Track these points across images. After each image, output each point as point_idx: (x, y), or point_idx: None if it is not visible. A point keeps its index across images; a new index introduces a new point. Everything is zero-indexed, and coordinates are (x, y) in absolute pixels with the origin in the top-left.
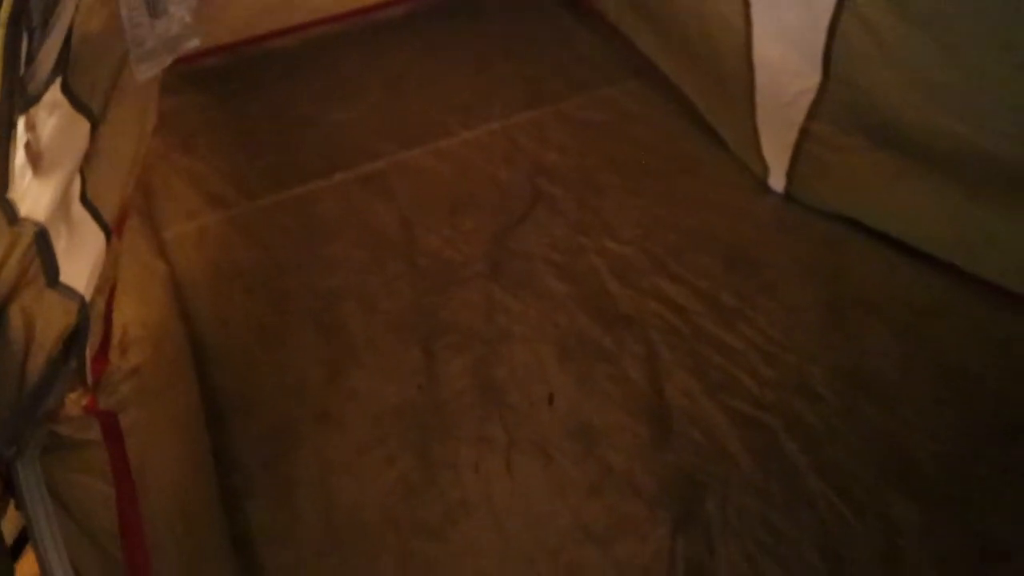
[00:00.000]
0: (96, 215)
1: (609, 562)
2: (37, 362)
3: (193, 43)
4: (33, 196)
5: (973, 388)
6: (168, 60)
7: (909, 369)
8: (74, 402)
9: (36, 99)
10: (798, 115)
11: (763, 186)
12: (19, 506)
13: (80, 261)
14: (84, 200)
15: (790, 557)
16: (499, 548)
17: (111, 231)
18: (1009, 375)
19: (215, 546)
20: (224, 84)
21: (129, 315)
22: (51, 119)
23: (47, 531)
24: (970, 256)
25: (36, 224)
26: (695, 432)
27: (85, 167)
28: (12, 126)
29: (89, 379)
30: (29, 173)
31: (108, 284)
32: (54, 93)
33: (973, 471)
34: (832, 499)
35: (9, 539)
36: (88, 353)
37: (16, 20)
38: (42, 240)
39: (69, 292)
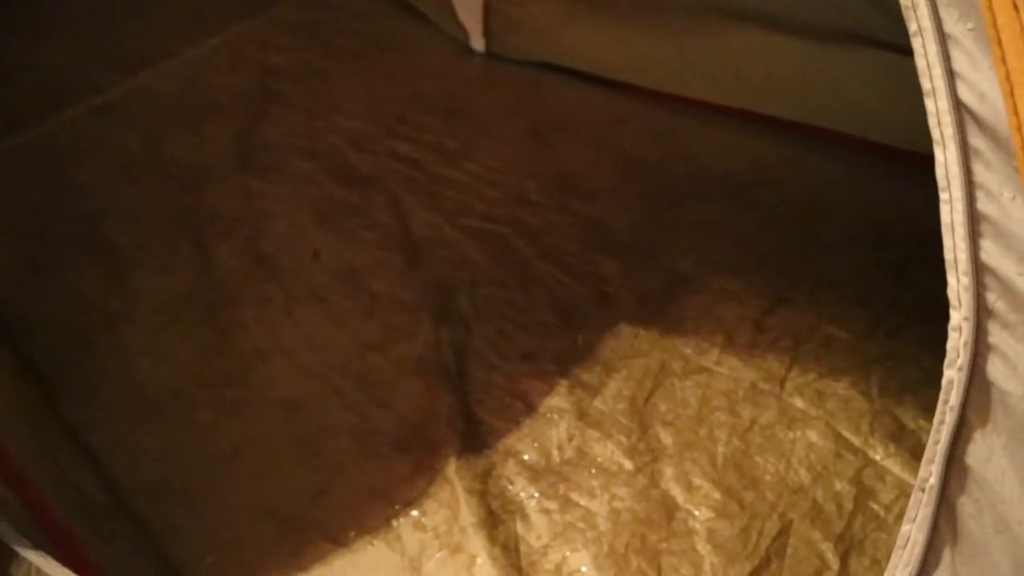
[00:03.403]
0: None
1: (390, 362)
2: None
3: None
4: None
5: (647, 171)
6: None
7: (600, 168)
8: None
9: None
10: None
11: (467, 49)
12: None
13: None
14: None
15: (531, 322)
16: (296, 376)
17: None
18: (671, 158)
19: (57, 437)
20: None
21: None
22: None
23: None
24: (636, 73)
25: None
26: (441, 251)
27: None
28: None
29: None
30: None
31: None
32: None
33: (654, 229)
34: (555, 273)
35: None
36: None
37: None
38: None
39: None
